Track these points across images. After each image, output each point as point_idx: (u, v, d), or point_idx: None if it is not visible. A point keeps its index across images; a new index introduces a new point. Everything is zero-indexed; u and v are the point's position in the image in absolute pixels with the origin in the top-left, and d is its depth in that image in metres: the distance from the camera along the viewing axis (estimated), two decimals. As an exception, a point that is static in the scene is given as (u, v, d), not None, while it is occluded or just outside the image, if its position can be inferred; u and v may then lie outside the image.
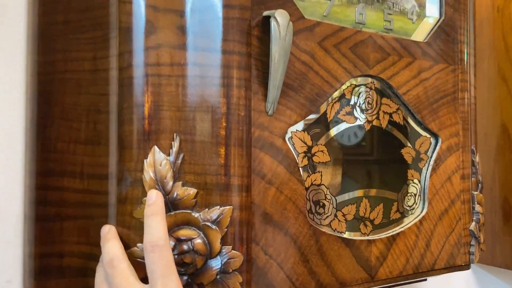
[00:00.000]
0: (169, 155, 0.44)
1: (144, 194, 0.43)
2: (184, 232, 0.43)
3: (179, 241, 0.43)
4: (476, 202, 0.70)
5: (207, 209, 0.44)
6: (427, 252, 0.62)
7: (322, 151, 0.53)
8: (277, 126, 0.48)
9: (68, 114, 0.50)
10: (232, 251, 0.44)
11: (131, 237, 0.43)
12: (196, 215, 0.44)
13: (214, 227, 0.43)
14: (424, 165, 0.64)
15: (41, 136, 0.53)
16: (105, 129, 0.46)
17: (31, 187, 0.55)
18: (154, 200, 0.42)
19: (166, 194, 0.43)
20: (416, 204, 0.63)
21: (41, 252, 0.52)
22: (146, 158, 0.43)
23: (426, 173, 0.64)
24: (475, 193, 0.70)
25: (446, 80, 0.66)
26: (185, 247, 0.43)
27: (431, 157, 0.64)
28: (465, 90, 0.68)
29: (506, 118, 0.91)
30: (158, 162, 0.43)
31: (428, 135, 0.64)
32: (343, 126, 0.55)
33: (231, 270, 0.43)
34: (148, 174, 0.43)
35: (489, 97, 0.99)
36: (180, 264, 0.42)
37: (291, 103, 0.50)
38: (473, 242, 0.68)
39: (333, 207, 0.54)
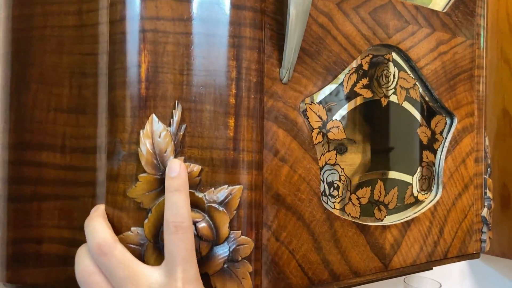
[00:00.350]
0: (169, 125, 0.37)
1: (140, 170, 0.37)
2: (186, 215, 0.37)
3: (180, 225, 0.37)
4: (487, 187, 0.66)
5: (213, 188, 0.38)
6: (441, 239, 0.58)
7: (337, 127, 0.47)
8: (291, 96, 0.43)
9: (48, 77, 0.43)
10: (242, 236, 0.38)
11: (124, 220, 0.37)
12: (200, 195, 0.38)
13: (221, 209, 0.37)
14: (439, 146, 0.59)
15: (15, 103, 0.46)
16: (92, 95, 0.40)
17: (3, 163, 0.47)
18: (179, 172, 0.36)
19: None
20: (431, 188, 0.58)
21: (15, 237, 0.45)
22: (143, 128, 0.37)
23: (441, 155, 0.59)
24: (486, 177, 0.66)
25: (463, 55, 0.61)
26: (188, 232, 0.37)
27: (446, 138, 0.60)
28: (481, 67, 0.64)
29: (508, 103, 0.87)
30: (156, 133, 0.37)
31: (444, 114, 0.60)
32: (359, 100, 0.50)
33: (240, 258, 0.38)
34: (145, 146, 0.37)
35: (490, 80, 0.95)
36: (182, 252, 0.36)
37: (307, 71, 0.44)
38: (484, 229, 0.64)
39: (347, 189, 0.49)
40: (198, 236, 0.37)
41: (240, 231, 0.38)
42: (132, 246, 0.36)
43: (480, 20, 0.64)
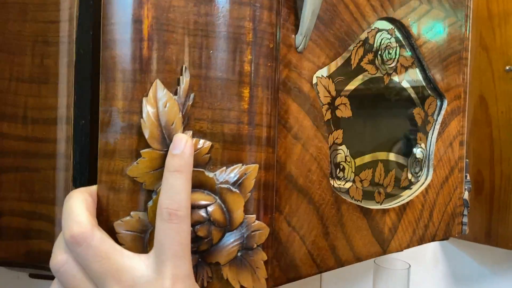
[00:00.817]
0: (175, 94, 0.32)
1: (142, 144, 0.31)
2: (196, 197, 0.32)
3: (191, 208, 0.32)
4: (467, 171, 0.66)
5: (224, 167, 0.33)
6: (430, 222, 0.57)
7: (345, 104, 0.44)
8: (306, 67, 0.39)
9: (10, 45, 0.41)
10: (256, 221, 0.34)
11: (122, 203, 0.31)
12: (210, 175, 0.33)
13: (235, 190, 0.33)
14: (431, 129, 0.58)
15: (-27, 66, 0.39)
16: (55, 64, 0.39)
17: (-44, 135, 0.40)
18: (182, 150, 0.30)
19: (172, 145, 0.32)
20: (422, 170, 0.57)
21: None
22: (146, 96, 0.31)
23: (431, 137, 0.58)
24: (467, 160, 0.66)
25: (454, 37, 0.60)
26: (198, 216, 0.32)
27: (436, 120, 0.58)
28: (467, 50, 0.63)
29: (485, 90, 0.87)
30: (162, 102, 0.32)
31: (435, 96, 0.58)
32: (365, 76, 0.47)
33: (255, 246, 0.34)
34: (149, 117, 0.31)
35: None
36: (192, 239, 0.32)
37: (321, 40, 0.40)
38: (465, 212, 0.64)
39: (352, 171, 0.46)
40: (210, 221, 0.32)
41: (255, 216, 0.34)
42: (132, 233, 0.31)
43: (468, 1, 0.63)
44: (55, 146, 0.40)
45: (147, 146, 0.31)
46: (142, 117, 0.31)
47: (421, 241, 0.55)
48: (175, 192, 0.30)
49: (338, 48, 0.42)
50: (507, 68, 0.76)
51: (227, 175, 0.33)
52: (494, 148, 0.82)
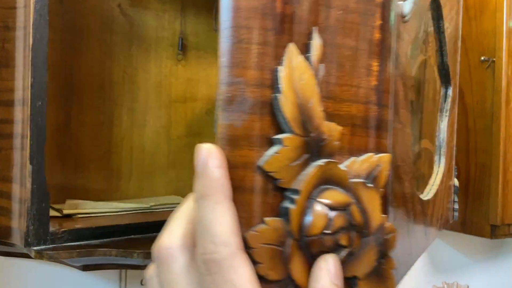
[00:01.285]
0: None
1: (275, 128, 0.24)
2: (332, 195, 0.25)
3: (331, 210, 0.25)
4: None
5: (353, 158, 0.27)
6: (443, 210, 0.56)
7: (413, 85, 0.40)
8: (405, 39, 0.34)
9: None
10: (387, 223, 0.28)
11: (253, 207, 0.23)
12: (341, 167, 0.26)
13: (371, 186, 0.27)
14: (442, 115, 0.57)
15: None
16: (14, 49, 0.41)
17: None
18: (203, 163, 0.22)
19: (311, 131, 0.24)
20: (437, 158, 0.56)
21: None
22: (280, 64, 0.24)
23: (443, 124, 0.57)
24: (455, 148, 0.68)
25: (456, 23, 0.60)
26: (340, 220, 0.25)
27: (445, 107, 0.58)
28: (459, 39, 0.64)
29: (461, 80, 0.88)
30: (298, 72, 0.24)
31: (444, 83, 0.58)
32: (421, 58, 0.43)
33: (389, 252, 0.28)
34: (288, 92, 0.23)
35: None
36: (329, 250, 0.25)
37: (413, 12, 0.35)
38: (456, 199, 0.65)
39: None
40: (350, 225, 0.26)
41: (386, 216, 0.28)
42: (270, 246, 0.23)
43: (460, -10, 0.64)
44: (12, 127, 0.41)
45: (280, 130, 0.24)
46: (278, 92, 0.23)
47: (439, 230, 0.54)
48: (204, 227, 0.22)
49: (417, 23, 0.38)
50: (482, 58, 0.80)
51: (358, 167, 0.27)
52: (469, 137, 0.85)
